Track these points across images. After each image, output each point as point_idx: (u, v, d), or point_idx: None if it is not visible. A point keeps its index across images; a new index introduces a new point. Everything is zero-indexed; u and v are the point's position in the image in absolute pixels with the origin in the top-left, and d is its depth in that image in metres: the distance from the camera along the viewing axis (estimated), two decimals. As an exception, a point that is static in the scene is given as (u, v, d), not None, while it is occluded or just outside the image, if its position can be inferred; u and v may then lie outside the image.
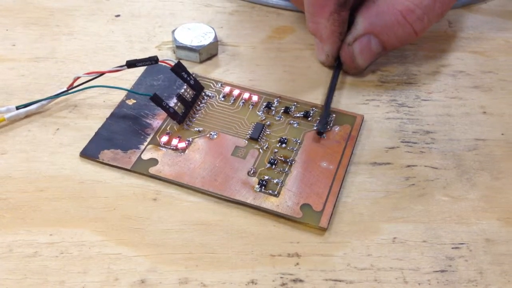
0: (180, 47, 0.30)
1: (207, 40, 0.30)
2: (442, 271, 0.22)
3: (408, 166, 0.26)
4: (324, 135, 0.26)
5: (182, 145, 0.26)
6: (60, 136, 0.26)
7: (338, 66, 0.30)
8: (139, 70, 0.29)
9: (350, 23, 0.29)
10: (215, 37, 0.31)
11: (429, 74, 0.31)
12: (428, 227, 0.23)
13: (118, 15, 0.33)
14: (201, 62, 0.31)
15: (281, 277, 0.21)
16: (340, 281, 0.22)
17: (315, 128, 0.27)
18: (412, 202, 0.24)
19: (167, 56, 0.30)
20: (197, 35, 0.31)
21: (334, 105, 0.28)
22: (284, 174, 0.25)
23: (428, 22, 0.29)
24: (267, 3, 0.34)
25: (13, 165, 0.25)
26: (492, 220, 0.24)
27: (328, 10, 0.28)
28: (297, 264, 0.22)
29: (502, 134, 0.28)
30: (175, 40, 0.30)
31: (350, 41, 0.29)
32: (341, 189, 0.25)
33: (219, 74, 0.30)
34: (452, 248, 0.23)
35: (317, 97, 0.29)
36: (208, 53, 0.31)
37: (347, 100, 0.29)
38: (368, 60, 0.30)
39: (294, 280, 0.21)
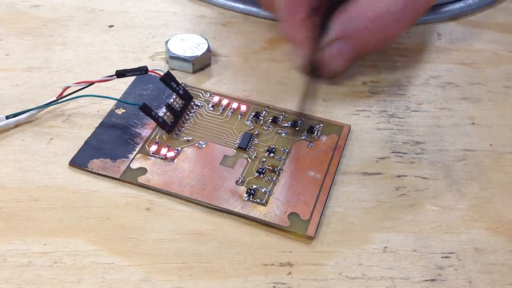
0: (173, 57, 0.31)
1: (200, 50, 0.31)
2: (432, 280, 0.22)
3: (398, 176, 0.26)
4: (311, 144, 0.27)
5: (171, 154, 0.26)
6: (54, 145, 0.26)
7: (313, 71, 0.30)
8: (131, 80, 0.29)
9: (324, 28, 0.29)
10: (208, 47, 0.31)
11: (419, 86, 0.31)
12: (418, 237, 0.24)
13: (111, 26, 0.33)
14: (194, 72, 0.31)
15: (273, 286, 0.22)
16: (331, 290, 0.22)
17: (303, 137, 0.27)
18: (402, 212, 0.25)
19: (160, 67, 0.30)
20: (190, 45, 0.31)
21: (323, 115, 0.29)
22: (272, 183, 0.25)
23: (398, 29, 0.30)
24: (259, 14, 0.35)
25: (6, 175, 0.25)
26: (481, 230, 0.24)
27: (300, 16, 0.28)
28: (290, 273, 0.22)
29: (490, 144, 0.28)
30: (168, 50, 0.31)
31: (323, 46, 0.29)
32: (333, 199, 0.25)
33: (211, 84, 0.30)
34: (442, 257, 0.23)
35: (309, 108, 0.29)
36: (201, 63, 0.31)
37: (338, 111, 0.29)
38: (342, 64, 0.30)
39: (287, 289, 0.22)
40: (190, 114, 0.28)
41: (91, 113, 0.28)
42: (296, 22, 0.29)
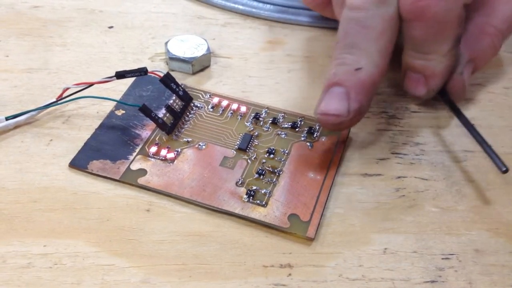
0: (173, 58, 0.31)
1: (199, 51, 0.31)
2: (432, 281, 0.22)
3: (399, 177, 0.26)
4: (311, 145, 0.27)
5: (171, 155, 0.26)
6: (53, 147, 0.26)
7: (444, 96, 0.29)
8: (131, 81, 0.29)
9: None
10: (208, 48, 0.31)
11: (419, 86, 0.31)
12: (418, 238, 0.24)
13: (111, 27, 0.33)
14: (194, 73, 0.31)
15: (273, 288, 0.22)
16: (332, 291, 0.22)
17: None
18: (402, 213, 0.25)
19: (160, 68, 0.30)
20: (190, 46, 0.31)
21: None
22: (272, 184, 0.25)
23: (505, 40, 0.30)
24: (259, 15, 0.35)
25: (6, 176, 0.25)
26: (481, 231, 0.24)
27: (446, 47, 0.28)
28: (290, 274, 0.22)
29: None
30: (168, 51, 0.31)
31: (461, 70, 0.29)
32: (333, 200, 0.25)
33: (211, 85, 0.30)
34: (442, 258, 0.23)
35: (308, 108, 0.29)
36: (201, 64, 0.31)
37: (338, 112, 0.29)
38: (467, 86, 0.30)
39: (287, 291, 0.22)
40: (190, 115, 0.28)
41: (90, 114, 0.28)
42: (441, 53, 0.28)
